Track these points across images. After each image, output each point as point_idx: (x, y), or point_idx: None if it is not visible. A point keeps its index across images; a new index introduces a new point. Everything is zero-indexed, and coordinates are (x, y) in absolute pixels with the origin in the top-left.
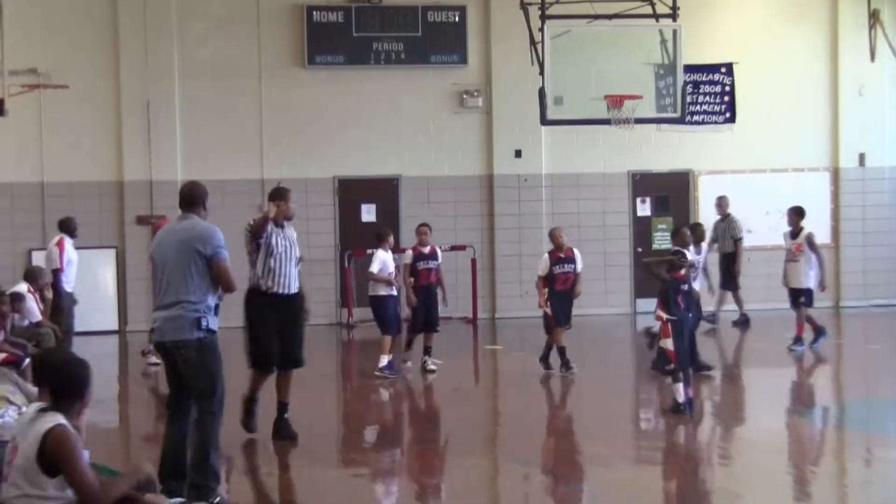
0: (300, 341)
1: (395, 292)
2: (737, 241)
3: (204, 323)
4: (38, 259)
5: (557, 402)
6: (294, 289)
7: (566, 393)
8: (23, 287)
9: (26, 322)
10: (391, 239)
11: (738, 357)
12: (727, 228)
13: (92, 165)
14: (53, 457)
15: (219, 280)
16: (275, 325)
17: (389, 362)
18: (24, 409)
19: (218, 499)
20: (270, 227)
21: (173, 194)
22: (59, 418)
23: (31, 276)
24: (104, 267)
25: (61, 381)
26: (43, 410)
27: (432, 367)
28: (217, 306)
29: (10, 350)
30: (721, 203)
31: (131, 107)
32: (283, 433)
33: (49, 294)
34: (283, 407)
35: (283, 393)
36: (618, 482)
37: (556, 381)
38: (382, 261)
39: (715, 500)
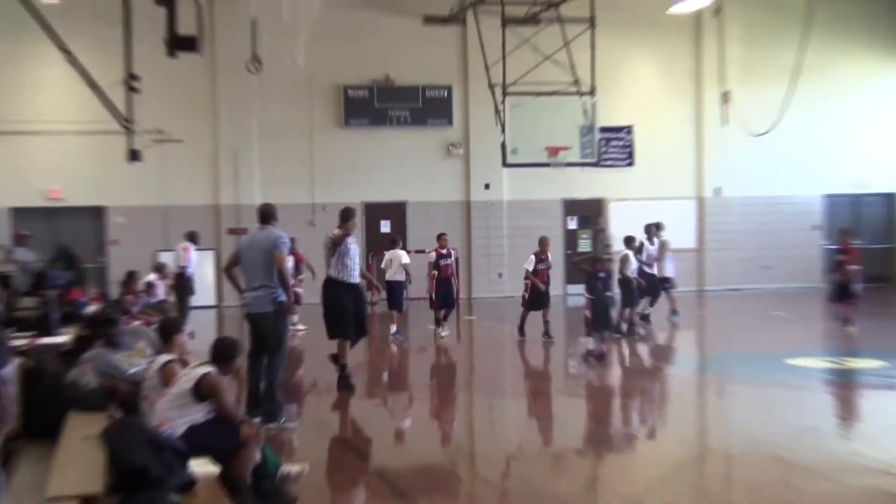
0: (364, 317)
1: (403, 278)
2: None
3: (278, 300)
4: (163, 257)
5: (512, 355)
6: (357, 279)
7: (519, 349)
8: (152, 276)
9: (154, 300)
10: (400, 241)
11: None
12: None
13: (197, 194)
14: (207, 391)
15: (277, 264)
16: (348, 305)
17: (397, 330)
18: (152, 359)
19: (283, 420)
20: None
21: (252, 213)
22: (209, 368)
23: (158, 268)
24: (206, 263)
25: (223, 352)
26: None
27: (444, 334)
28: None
29: (145, 318)
30: (598, 222)
31: (224, 153)
32: (345, 385)
33: (170, 281)
34: (344, 367)
35: (345, 355)
36: (554, 406)
37: (515, 341)
38: (389, 259)
39: (614, 413)
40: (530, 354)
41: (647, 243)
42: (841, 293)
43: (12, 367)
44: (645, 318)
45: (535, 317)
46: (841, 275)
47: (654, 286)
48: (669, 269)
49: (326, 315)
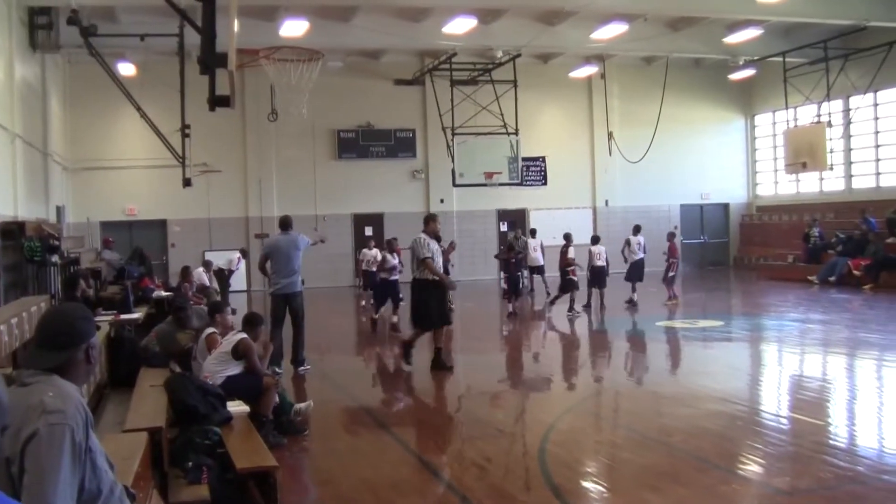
0: (445, 307)
1: (397, 276)
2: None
3: (303, 284)
4: (208, 255)
5: (466, 322)
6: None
7: (472, 317)
8: (201, 269)
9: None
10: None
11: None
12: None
13: (232, 209)
14: (242, 351)
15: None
16: (432, 300)
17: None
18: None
19: (309, 367)
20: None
21: (272, 222)
22: (243, 335)
23: (206, 264)
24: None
25: (250, 321)
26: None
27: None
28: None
29: (196, 299)
30: (514, 227)
31: (252, 179)
32: (441, 366)
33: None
34: (439, 350)
35: (439, 340)
36: (486, 359)
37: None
38: (384, 257)
39: (528, 359)
40: (475, 322)
41: (531, 241)
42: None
43: (98, 336)
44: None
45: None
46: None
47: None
48: (540, 260)
49: (417, 307)
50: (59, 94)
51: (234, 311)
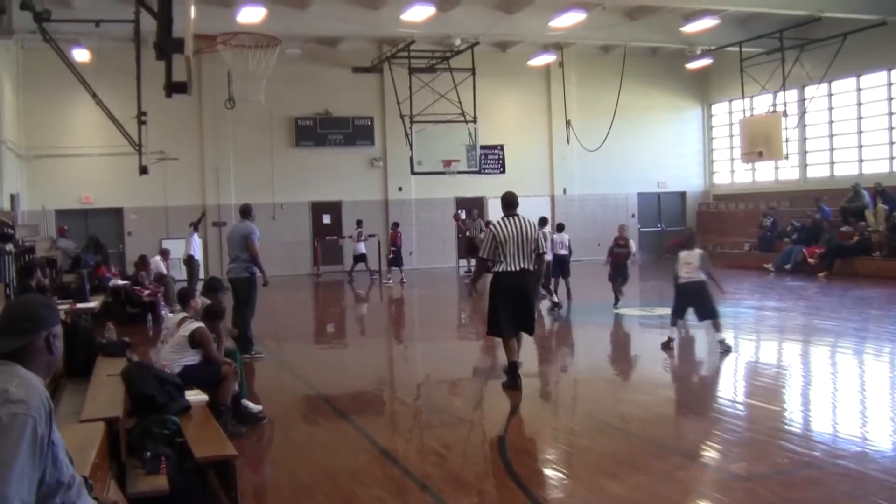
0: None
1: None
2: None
3: (250, 270)
4: (165, 244)
5: (425, 310)
6: (518, 266)
7: (431, 305)
8: (157, 258)
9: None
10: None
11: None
12: (476, 227)
13: (189, 197)
14: (198, 340)
15: (249, 248)
16: (506, 299)
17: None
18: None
19: (254, 352)
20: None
21: (230, 210)
22: (200, 324)
23: (163, 252)
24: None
25: (210, 313)
26: (188, 318)
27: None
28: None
29: (153, 289)
30: (471, 213)
31: (209, 167)
32: (514, 385)
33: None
34: (514, 365)
35: (512, 352)
36: (450, 347)
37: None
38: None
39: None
40: (436, 310)
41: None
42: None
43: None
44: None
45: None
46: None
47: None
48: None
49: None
50: (13, 80)
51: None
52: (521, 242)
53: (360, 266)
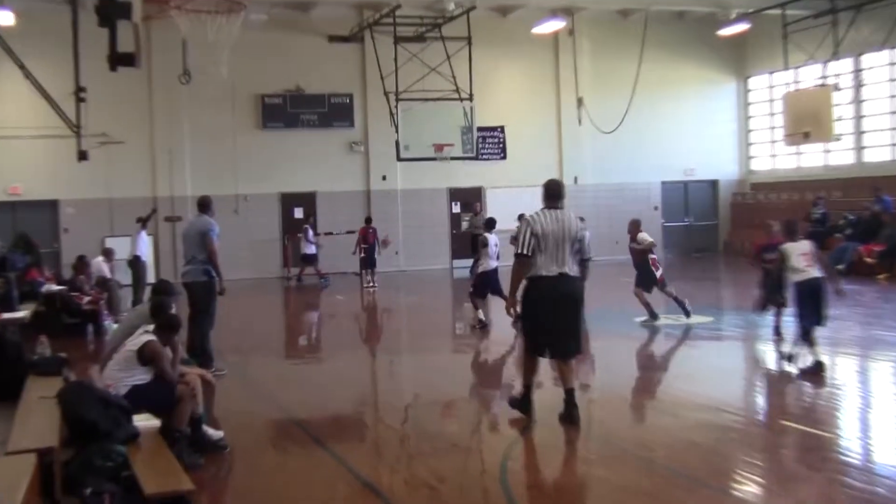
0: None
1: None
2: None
3: (208, 273)
4: (109, 242)
5: (415, 318)
6: (557, 270)
7: (421, 313)
8: (99, 259)
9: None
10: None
11: None
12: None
13: (137, 187)
14: (149, 355)
15: (207, 248)
16: (543, 309)
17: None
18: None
19: (213, 368)
20: None
21: (185, 203)
22: (151, 336)
23: (105, 252)
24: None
25: (164, 324)
26: (146, 332)
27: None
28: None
29: (95, 295)
30: (474, 207)
31: (160, 152)
32: (571, 417)
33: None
34: (570, 393)
35: (568, 378)
36: (443, 361)
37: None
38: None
39: (487, 361)
40: (425, 318)
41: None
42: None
43: None
44: None
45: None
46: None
47: None
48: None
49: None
50: None
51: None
52: (563, 241)
53: (310, 269)
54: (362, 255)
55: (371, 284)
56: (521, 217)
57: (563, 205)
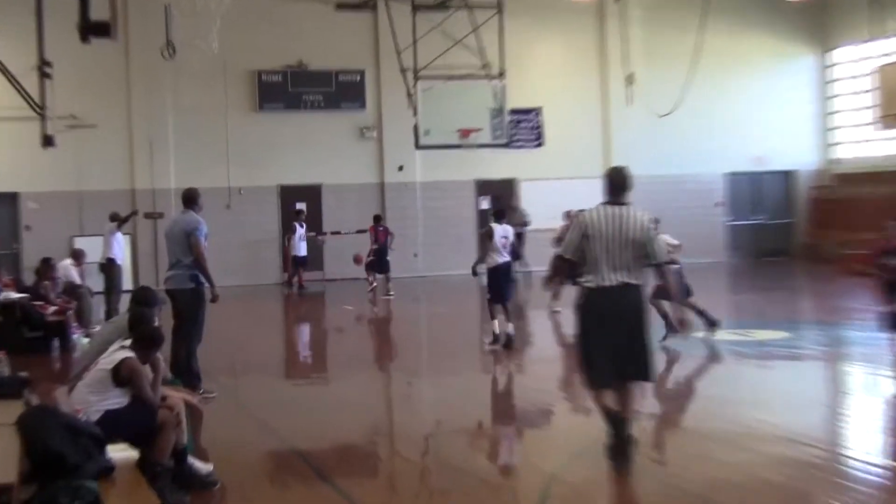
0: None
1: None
2: (524, 224)
3: (196, 279)
4: (79, 242)
5: (437, 333)
6: (617, 280)
7: (439, 323)
8: (67, 261)
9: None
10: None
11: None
12: (518, 217)
13: (112, 179)
14: (126, 375)
15: (193, 250)
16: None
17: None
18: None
19: (202, 390)
20: None
21: (168, 197)
22: (128, 353)
23: (75, 255)
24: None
25: (144, 338)
26: (123, 347)
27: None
28: None
29: (62, 305)
30: (513, 200)
31: (139, 137)
32: (625, 452)
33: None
34: (622, 424)
35: (626, 405)
36: (470, 382)
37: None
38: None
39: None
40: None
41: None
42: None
43: None
44: None
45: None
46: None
47: None
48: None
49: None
50: None
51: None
52: (622, 243)
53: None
54: (370, 257)
55: (389, 293)
56: (567, 214)
57: (629, 199)
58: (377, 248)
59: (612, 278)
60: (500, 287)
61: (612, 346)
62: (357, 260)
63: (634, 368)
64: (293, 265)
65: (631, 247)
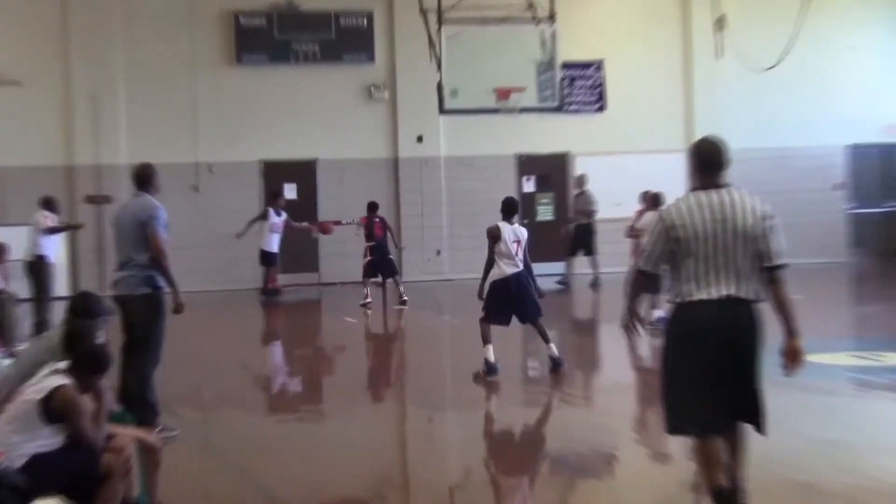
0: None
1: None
2: (591, 213)
3: (151, 282)
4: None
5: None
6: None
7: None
8: None
9: None
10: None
11: (594, 310)
12: (585, 202)
13: (45, 152)
14: (61, 408)
15: (151, 244)
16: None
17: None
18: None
19: (160, 427)
20: None
21: (117, 175)
22: (65, 379)
23: None
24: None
25: (87, 359)
26: (56, 371)
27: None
28: None
29: None
30: (580, 180)
31: (81, 99)
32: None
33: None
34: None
35: (738, 463)
36: (498, 418)
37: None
38: None
39: (576, 418)
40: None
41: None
42: None
43: None
44: None
45: None
46: None
47: None
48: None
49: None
50: None
51: None
52: (728, 241)
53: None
54: (367, 257)
55: (401, 299)
56: (644, 196)
57: (727, 180)
58: (374, 246)
59: (713, 291)
60: (512, 305)
61: (712, 382)
62: (324, 229)
63: (741, 412)
64: (261, 262)
65: (742, 244)
